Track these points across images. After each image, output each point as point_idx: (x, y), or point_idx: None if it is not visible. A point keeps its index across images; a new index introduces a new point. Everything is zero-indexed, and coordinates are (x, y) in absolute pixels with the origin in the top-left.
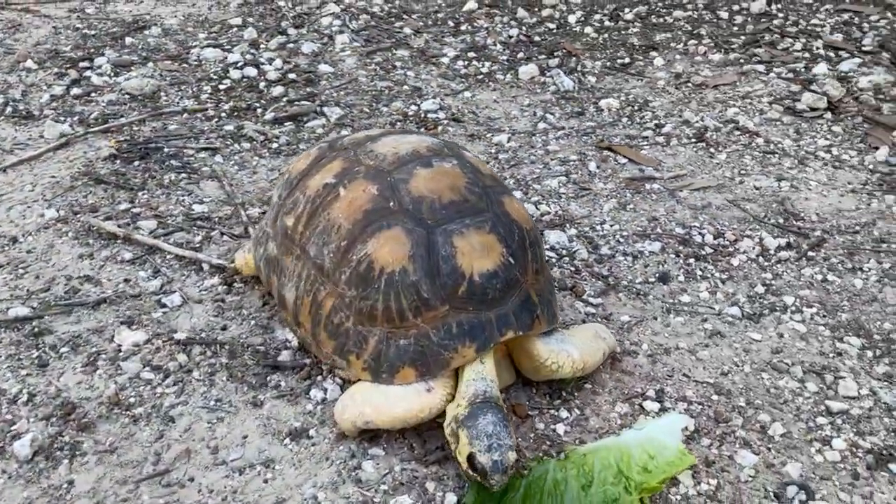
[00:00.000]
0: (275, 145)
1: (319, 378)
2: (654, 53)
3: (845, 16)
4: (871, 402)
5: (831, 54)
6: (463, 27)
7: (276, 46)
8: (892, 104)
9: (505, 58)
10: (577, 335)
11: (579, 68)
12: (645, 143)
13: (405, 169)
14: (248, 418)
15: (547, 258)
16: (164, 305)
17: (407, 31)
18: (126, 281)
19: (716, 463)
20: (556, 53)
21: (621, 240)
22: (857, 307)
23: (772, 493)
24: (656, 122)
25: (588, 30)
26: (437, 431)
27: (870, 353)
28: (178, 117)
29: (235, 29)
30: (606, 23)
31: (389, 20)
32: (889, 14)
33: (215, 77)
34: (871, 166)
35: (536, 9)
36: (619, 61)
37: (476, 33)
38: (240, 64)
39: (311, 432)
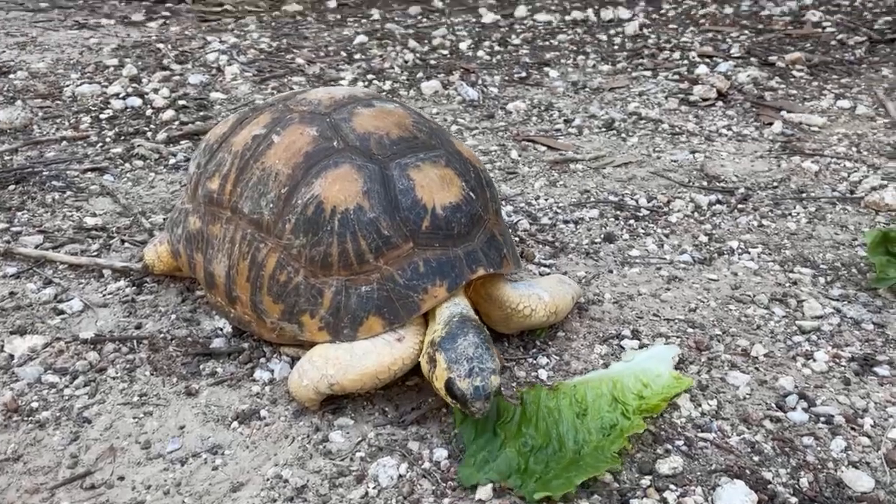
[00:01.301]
0: (172, 161)
1: (263, 360)
2: (547, 68)
3: (709, 34)
4: (838, 319)
5: (707, 60)
6: (356, 56)
7: (160, 79)
8: (772, 92)
9: (405, 77)
10: (543, 281)
11: (480, 82)
12: (559, 134)
13: (345, 110)
14: (182, 408)
15: None
16: (61, 312)
17: (300, 61)
18: (12, 294)
19: (709, 386)
20: (453, 72)
21: (559, 210)
22: (798, 244)
23: (774, 405)
24: (565, 118)
25: (480, 53)
26: (410, 393)
27: (822, 280)
28: (56, 146)
29: (112, 69)
30: (496, 48)
31: (279, 54)
32: (746, 31)
33: (94, 108)
34: (770, 137)
35: (426, 41)
36: (516, 76)
37: (371, 60)
38: (122, 95)
39: (263, 413)
